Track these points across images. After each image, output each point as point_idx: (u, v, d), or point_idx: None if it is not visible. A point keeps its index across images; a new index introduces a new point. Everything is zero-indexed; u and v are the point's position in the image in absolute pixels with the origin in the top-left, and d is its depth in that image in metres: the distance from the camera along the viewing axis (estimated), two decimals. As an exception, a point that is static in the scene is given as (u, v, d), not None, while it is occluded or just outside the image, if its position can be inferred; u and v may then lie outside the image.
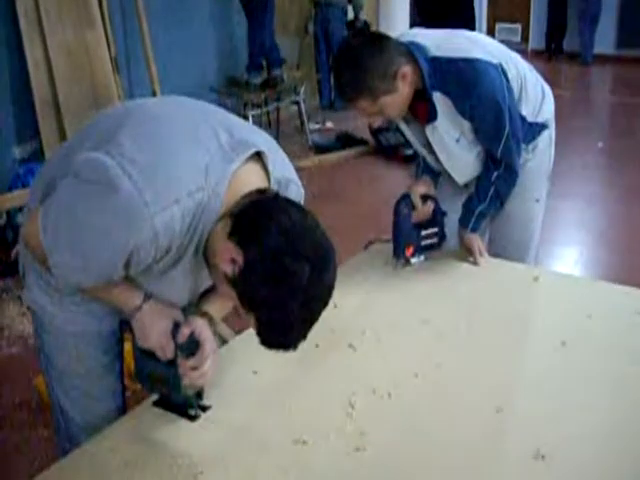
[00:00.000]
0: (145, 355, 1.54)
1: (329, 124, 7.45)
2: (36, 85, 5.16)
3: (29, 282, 1.63)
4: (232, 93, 6.67)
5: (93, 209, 1.32)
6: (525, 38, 12.65)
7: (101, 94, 5.43)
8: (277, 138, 5.40)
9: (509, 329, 1.95)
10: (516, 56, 2.32)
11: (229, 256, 1.33)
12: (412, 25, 5.63)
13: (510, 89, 2.17)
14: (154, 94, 5.76)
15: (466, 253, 2.39)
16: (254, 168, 1.44)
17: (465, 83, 2.11)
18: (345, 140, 6.79)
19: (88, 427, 1.62)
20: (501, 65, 2.15)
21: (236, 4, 6.99)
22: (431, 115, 2.19)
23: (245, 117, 6.41)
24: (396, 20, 9.78)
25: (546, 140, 2.42)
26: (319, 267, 1.31)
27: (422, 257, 2.36)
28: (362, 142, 6.67)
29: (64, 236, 1.34)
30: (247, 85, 6.53)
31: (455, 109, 2.15)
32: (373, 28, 8.84)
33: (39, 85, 5.18)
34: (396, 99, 2.14)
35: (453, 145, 2.23)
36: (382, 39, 2.16)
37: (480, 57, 2.12)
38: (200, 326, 1.53)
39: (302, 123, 7.05)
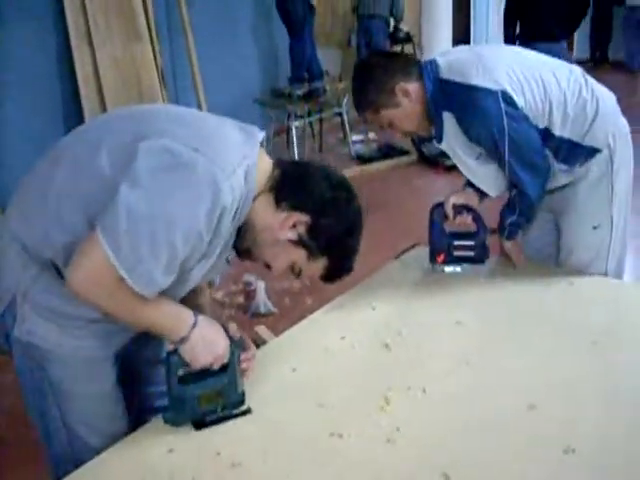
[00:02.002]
0: (188, 382, 1.58)
1: (372, 135, 7.50)
2: (85, 98, 5.32)
3: (23, 314, 1.52)
4: (276, 104, 6.76)
5: (174, 193, 1.36)
6: (570, 47, 12.58)
7: (148, 105, 5.54)
8: (320, 149, 5.51)
9: (541, 330, 1.97)
10: (555, 76, 2.23)
11: (289, 222, 1.53)
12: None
13: (516, 115, 2.12)
14: (199, 105, 5.88)
15: (505, 260, 2.43)
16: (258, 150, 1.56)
17: (461, 109, 2.17)
18: (387, 150, 6.85)
19: (104, 447, 1.58)
20: (503, 92, 2.12)
21: (278, 19, 7.09)
22: (438, 134, 2.25)
23: (289, 128, 6.52)
24: (439, 31, 9.82)
25: (602, 165, 2.28)
26: (355, 197, 1.61)
27: (458, 268, 2.39)
28: (404, 152, 6.71)
29: (146, 244, 1.35)
30: (290, 97, 6.62)
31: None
32: (416, 39, 8.91)
33: (88, 98, 5.34)
34: (400, 114, 2.24)
35: (472, 161, 2.26)
36: (391, 57, 2.32)
37: (478, 84, 2.13)
38: (234, 326, 1.63)
39: (345, 134, 7.10)
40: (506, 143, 2.12)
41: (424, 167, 6.42)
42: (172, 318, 1.51)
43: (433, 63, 2.23)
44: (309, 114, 6.87)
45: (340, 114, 7.04)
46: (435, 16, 9.91)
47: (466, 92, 2.14)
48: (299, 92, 6.60)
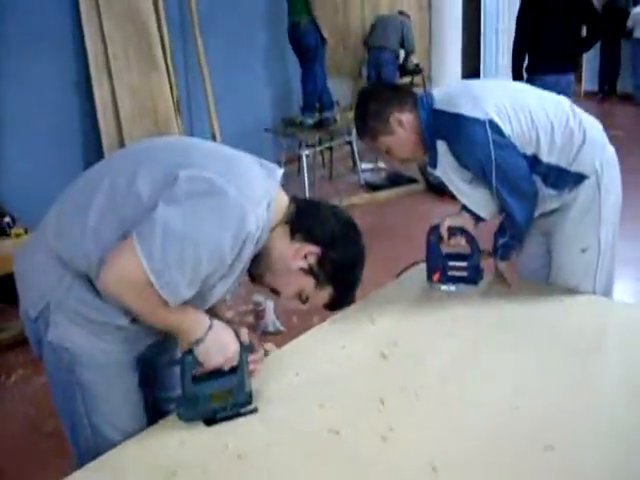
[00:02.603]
0: (201, 381, 1.73)
1: (381, 164, 7.65)
2: (104, 126, 5.50)
3: (56, 319, 1.66)
4: (287, 133, 6.94)
5: (208, 216, 1.54)
6: (578, 80, 12.77)
7: (163, 133, 5.73)
8: (330, 177, 5.66)
9: (530, 343, 2.11)
10: (542, 106, 2.37)
11: (303, 251, 1.74)
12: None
13: (503, 143, 2.27)
14: (213, 134, 6.07)
15: (499, 279, 2.57)
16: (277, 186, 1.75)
17: (452, 137, 2.33)
18: (395, 179, 7.01)
19: None
20: (491, 121, 2.26)
21: (291, 50, 7.30)
22: (431, 161, 2.42)
23: (300, 156, 6.70)
24: (448, 64, 10.04)
25: (590, 191, 2.42)
26: (360, 235, 1.83)
27: (453, 287, 2.53)
28: (412, 181, 6.87)
29: (175, 257, 1.51)
30: (301, 125, 6.80)
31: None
32: (425, 71, 9.12)
33: (106, 126, 5.52)
34: (396, 141, 2.43)
35: (465, 186, 2.41)
36: (389, 88, 2.53)
37: (466, 114, 2.28)
38: (244, 330, 1.79)
39: (354, 162, 7.27)
40: (493, 170, 2.27)
41: (431, 195, 6.54)
42: (190, 321, 1.66)
43: (428, 95, 2.41)
44: (320, 142, 7.06)
45: (350, 143, 7.21)
46: (444, 49, 10.13)
47: (456, 121, 2.29)
48: (310, 121, 6.78)
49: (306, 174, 6.54)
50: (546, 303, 2.39)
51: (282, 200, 1.77)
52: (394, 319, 2.30)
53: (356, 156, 7.18)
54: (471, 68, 13.20)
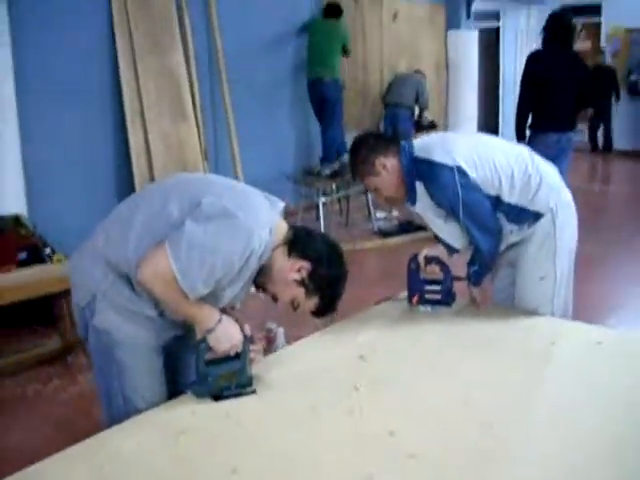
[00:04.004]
0: (211, 364, 2.17)
1: (395, 213, 8.08)
2: (136, 167, 6.03)
3: (101, 307, 2.11)
4: (306, 182, 7.43)
5: (222, 232, 2.02)
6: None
7: (190, 177, 6.22)
8: (347, 224, 6.10)
9: (487, 352, 2.53)
10: (505, 155, 2.80)
11: (296, 266, 2.18)
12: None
13: (469, 186, 2.69)
14: (237, 179, 6.56)
15: (472, 303, 2.99)
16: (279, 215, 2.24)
17: (427, 180, 2.77)
18: (406, 227, 7.41)
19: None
20: (458, 167, 2.69)
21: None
22: (411, 199, 2.85)
23: (317, 204, 7.15)
24: (464, 121, 10.51)
25: (546, 227, 2.82)
26: (343, 256, 2.29)
27: (429, 308, 2.95)
28: (421, 228, 7.27)
29: (196, 261, 1.98)
30: (319, 175, 7.27)
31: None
32: (441, 128, 9.59)
33: (139, 167, 6.06)
34: (381, 182, 2.87)
35: (440, 221, 2.84)
36: (376, 137, 3.02)
37: (436, 159, 2.73)
38: (247, 325, 2.24)
39: (369, 211, 7.71)
40: (461, 208, 2.71)
41: (436, 242, 6.94)
42: (205, 314, 2.12)
43: (409, 144, 2.86)
44: (337, 191, 7.52)
45: (365, 193, 7.66)
46: (460, 107, 10.62)
47: (430, 167, 2.74)
48: (327, 171, 7.24)
49: (322, 220, 6.99)
50: (507, 322, 2.81)
51: (283, 227, 2.24)
52: (376, 332, 2.73)
53: (370, 205, 7.61)
54: (490, 125, 13.72)
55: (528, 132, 6.27)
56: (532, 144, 6.06)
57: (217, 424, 2.05)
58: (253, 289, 2.30)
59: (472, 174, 2.72)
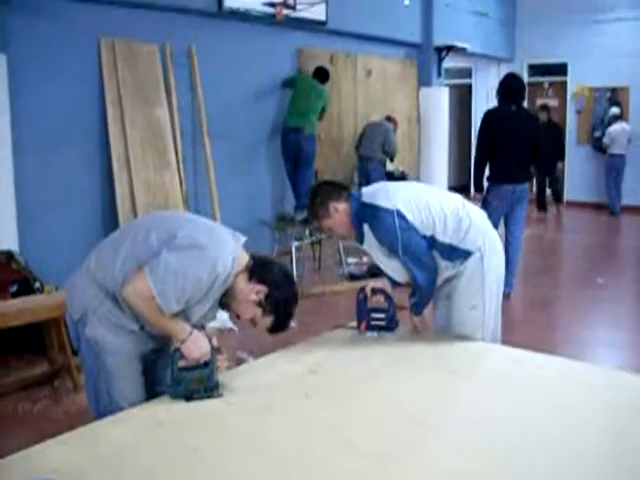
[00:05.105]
0: (184, 370, 2.59)
1: (365, 259, 8.50)
2: (122, 212, 6.46)
3: (91, 321, 2.53)
4: (279, 227, 7.90)
5: (192, 260, 2.47)
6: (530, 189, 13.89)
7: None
8: (319, 268, 6.56)
9: (417, 365, 2.97)
10: (439, 201, 3.24)
11: (255, 289, 2.62)
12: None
13: (407, 227, 3.12)
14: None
15: (414, 330, 3.43)
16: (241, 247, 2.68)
17: (371, 222, 3.21)
18: (375, 271, 7.79)
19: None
20: (398, 211, 3.12)
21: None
22: (359, 239, 3.31)
23: (289, 248, 7.58)
24: (435, 173, 11.06)
25: (475, 263, 3.24)
26: (294, 283, 2.77)
27: (375, 334, 3.37)
28: (388, 273, 7.74)
29: (170, 283, 2.41)
30: (292, 221, 7.74)
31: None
32: (411, 178, 10.07)
33: (124, 213, 6.49)
34: (333, 223, 3.32)
35: (384, 258, 3.28)
36: (330, 184, 3.49)
37: (379, 204, 3.17)
38: (214, 339, 2.66)
39: (340, 258, 8.14)
40: (400, 246, 3.15)
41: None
42: (178, 326, 2.56)
43: (358, 192, 3.32)
44: (311, 235, 7.96)
45: (337, 240, 8.10)
46: (431, 160, 11.15)
47: (373, 210, 3.19)
48: (300, 217, 7.67)
49: (294, 264, 7.42)
50: (441, 345, 3.25)
51: (244, 256, 2.69)
52: (326, 352, 3.16)
53: (341, 252, 8.05)
54: (464, 172, 14.29)
55: (486, 184, 6.77)
56: (489, 195, 6.60)
57: (188, 418, 2.46)
58: (232, 325, 2.74)
59: (410, 217, 3.15)
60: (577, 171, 13.47)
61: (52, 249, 5.82)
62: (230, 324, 5.41)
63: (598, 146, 12.91)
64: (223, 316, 2.81)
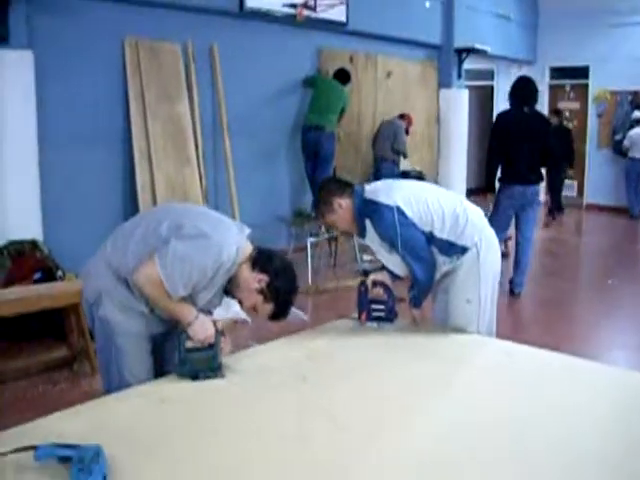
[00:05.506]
0: (190, 351, 2.78)
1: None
2: (142, 205, 6.66)
3: (105, 303, 2.73)
4: (296, 223, 8.11)
5: (198, 249, 2.66)
6: (580, 193, 13.95)
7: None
8: (334, 265, 6.74)
9: (413, 357, 3.14)
10: (437, 199, 3.39)
11: (257, 278, 2.79)
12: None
13: (406, 223, 3.27)
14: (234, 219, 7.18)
15: (413, 321, 3.59)
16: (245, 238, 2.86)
17: (373, 217, 3.36)
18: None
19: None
20: (398, 207, 3.26)
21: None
22: (361, 234, 3.48)
23: (304, 243, 7.75)
24: (453, 174, 11.22)
25: (471, 258, 3.39)
26: (294, 274, 2.91)
27: (375, 324, 3.54)
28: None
29: (177, 269, 2.60)
30: (308, 217, 7.92)
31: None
32: (430, 179, 10.17)
33: (144, 205, 6.67)
34: (337, 218, 3.48)
35: (385, 252, 3.44)
36: (335, 182, 3.69)
37: (379, 200, 3.32)
38: (219, 322, 2.84)
39: (355, 254, 8.31)
40: (399, 241, 3.30)
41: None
42: (185, 310, 2.75)
43: (361, 188, 3.48)
44: (327, 232, 8.12)
45: (352, 236, 8.25)
46: (450, 161, 11.25)
47: (375, 206, 3.35)
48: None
49: (310, 259, 7.59)
50: (438, 336, 3.42)
51: (248, 247, 2.88)
52: (327, 340, 3.34)
53: (356, 248, 8.20)
54: (483, 180, 14.32)
55: (497, 184, 6.90)
56: (500, 195, 6.73)
57: (191, 396, 2.65)
58: (245, 316, 2.90)
59: (409, 213, 3.31)
60: (597, 174, 13.54)
61: (74, 239, 6.00)
62: (244, 315, 5.59)
63: (619, 149, 12.94)
64: (237, 308, 2.96)
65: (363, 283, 3.58)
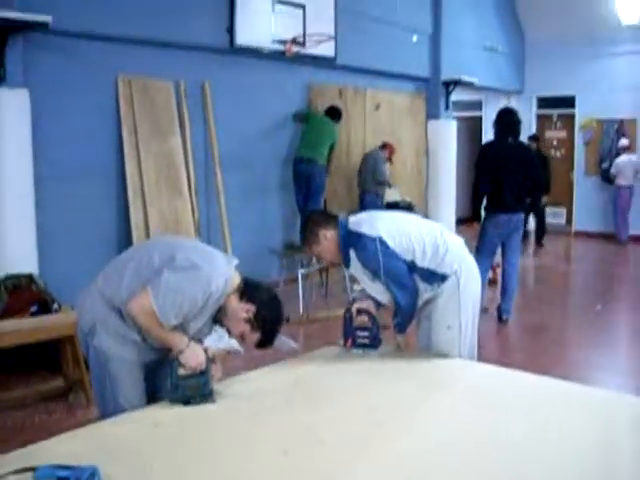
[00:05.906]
0: (183, 378, 2.90)
1: (371, 286, 8.77)
2: (136, 239, 6.77)
3: (99, 332, 2.85)
4: (286, 254, 8.24)
5: (190, 280, 2.80)
6: (569, 221, 14.13)
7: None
8: (326, 295, 6.88)
9: (397, 378, 3.26)
10: (418, 229, 3.55)
11: (245, 308, 2.93)
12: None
13: (388, 253, 3.40)
14: (225, 251, 7.30)
15: (397, 347, 3.71)
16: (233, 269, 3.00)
17: (356, 248, 3.49)
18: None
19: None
20: (380, 238, 3.40)
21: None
22: (346, 263, 3.60)
23: (296, 274, 7.87)
24: (442, 205, 11.30)
25: (451, 285, 3.52)
26: (281, 304, 3.06)
27: (360, 351, 3.65)
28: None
29: (169, 300, 2.76)
30: (300, 248, 8.00)
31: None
32: (419, 210, 10.26)
33: (138, 239, 6.78)
34: (322, 249, 3.62)
35: (368, 281, 3.57)
36: (320, 214, 3.84)
37: (362, 231, 3.46)
38: (210, 350, 2.97)
39: (346, 285, 8.40)
40: (382, 271, 3.44)
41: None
42: (177, 338, 2.89)
43: (345, 220, 3.62)
44: (318, 262, 8.21)
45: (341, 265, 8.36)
46: (439, 192, 11.34)
47: (358, 237, 3.49)
48: (307, 245, 7.97)
49: (301, 290, 7.69)
50: (419, 361, 3.55)
51: (236, 277, 3.02)
52: (313, 366, 3.48)
53: (347, 279, 8.29)
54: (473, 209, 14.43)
55: (483, 213, 7.06)
56: (486, 224, 6.89)
57: (183, 420, 2.77)
58: (238, 347, 3.02)
59: (391, 244, 3.45)
60: (585, 202, 13.75)
61: (70, 272, 6.09)
62: (237, 346, 5.69)
63: (606, 177, 13.18)
64: (231, 340, 3.09)
65: (348, 311, 3.71)
